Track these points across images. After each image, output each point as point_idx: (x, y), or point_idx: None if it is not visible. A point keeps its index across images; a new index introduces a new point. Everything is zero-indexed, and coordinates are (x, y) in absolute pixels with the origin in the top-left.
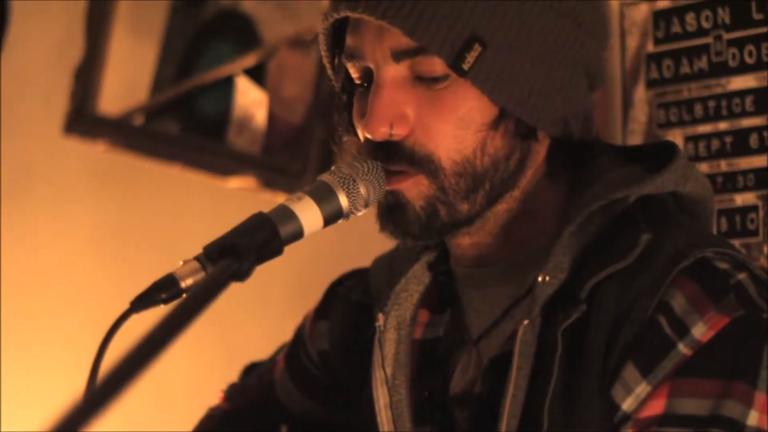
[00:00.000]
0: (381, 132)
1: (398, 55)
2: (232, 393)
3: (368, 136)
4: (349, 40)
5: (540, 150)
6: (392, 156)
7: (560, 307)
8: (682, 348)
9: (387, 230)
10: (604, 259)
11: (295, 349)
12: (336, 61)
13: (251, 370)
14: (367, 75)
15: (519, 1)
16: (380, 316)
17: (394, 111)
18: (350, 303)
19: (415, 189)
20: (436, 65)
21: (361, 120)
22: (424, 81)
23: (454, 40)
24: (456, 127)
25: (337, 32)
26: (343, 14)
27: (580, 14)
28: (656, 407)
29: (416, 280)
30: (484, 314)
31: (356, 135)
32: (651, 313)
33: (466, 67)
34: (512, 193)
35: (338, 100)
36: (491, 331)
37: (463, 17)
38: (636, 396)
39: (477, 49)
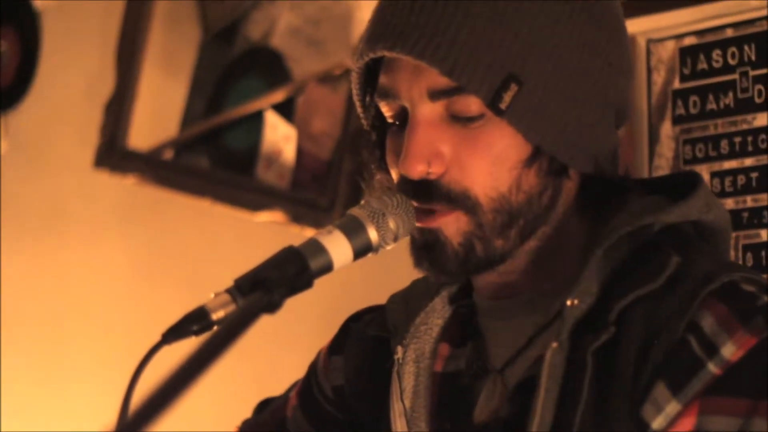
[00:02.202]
0: (418, 170)
1: (435, 95)
2: (246, 428)
3: (405, 174)
4: (384, 79)
5: (571, 187)
6: (429, 195)
7: (588, 329)
8: (712, 367)
9: (422, 266)
10: (633, 282)
11: (308, 385)
12: (367, 99)
13: (264, 405)
14: (401, 114)
15: (553, 40)
16: (399, 349)
17: (430, 149)
18: (366, 337)
19: (454, 225)
20: (472, 104)
21: (396, 158)
22: (459, 120)
23: (492, 80)
24: (492, 164)
25: (369, 71)
26: (380, 53)
27: (610, 53)
28: (686, 425)
29: (436, 314)
30: (508, 344)
31: (388, 173)
32: (681, 334)
33: (503, 106)
34: (543, 229)
35: (368, 138)
36: (516, 359)
37: (500, 57)
38: (666, 415)
39: (514, 88)
